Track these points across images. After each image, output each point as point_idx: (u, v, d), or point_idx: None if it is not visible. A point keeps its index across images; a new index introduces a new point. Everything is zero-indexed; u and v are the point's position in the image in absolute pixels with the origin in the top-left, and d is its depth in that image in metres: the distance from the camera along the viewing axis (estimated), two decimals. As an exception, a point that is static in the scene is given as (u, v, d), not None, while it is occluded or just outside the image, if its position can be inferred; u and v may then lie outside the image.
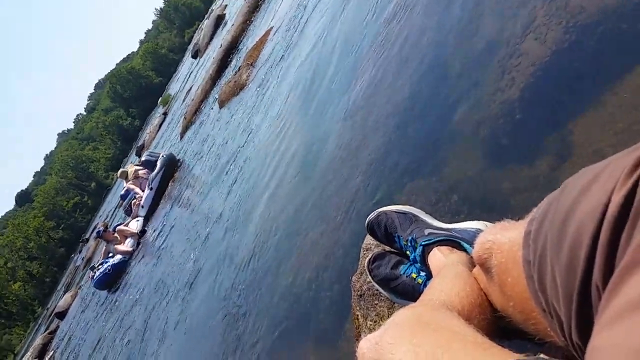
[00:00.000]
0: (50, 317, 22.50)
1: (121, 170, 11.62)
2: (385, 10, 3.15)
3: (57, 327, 16.84)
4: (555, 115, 1.32)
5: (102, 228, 10.90)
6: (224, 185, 5.12)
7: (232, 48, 10.26)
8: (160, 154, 9.80)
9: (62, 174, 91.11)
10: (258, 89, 6.08)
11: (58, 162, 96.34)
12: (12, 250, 71.43)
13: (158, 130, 20.71)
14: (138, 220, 9.29)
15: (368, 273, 1.42)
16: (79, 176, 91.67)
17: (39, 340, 17.21)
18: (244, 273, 3.05)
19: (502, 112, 1.50)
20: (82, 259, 25.76)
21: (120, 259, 8.86)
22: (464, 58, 1.90)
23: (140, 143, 23.49)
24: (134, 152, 27.61)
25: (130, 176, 10.49)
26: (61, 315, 16.76)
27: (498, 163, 1.44)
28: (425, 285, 1.22)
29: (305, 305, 2.07)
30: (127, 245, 8.90)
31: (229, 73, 9.11)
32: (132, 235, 8.95)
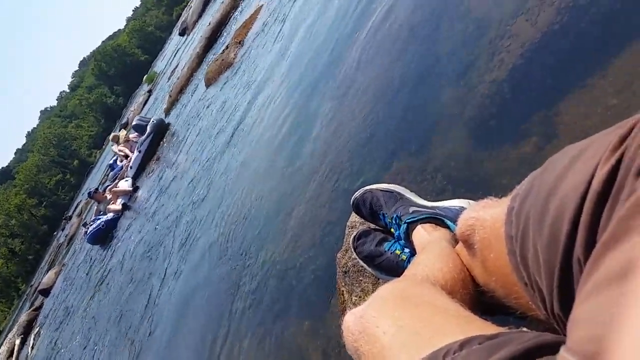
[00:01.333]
0: (35, 294, 22.36)
1: (113, 134, 12.41)
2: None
3: (42, 303, 16.74)
4: (543, 96, 1.33)
5: (92, 189, 11.50)
6: (206, 157, 5.15)
7: (220, 26, 10.14)
8: (150, 119, 10.18)
9: (45, 152, 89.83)
10: (245, 67, 6.03)
11: (40, 139, 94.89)
12: (-7, 227, 70.71)
13: (142, 108, 20.45)
14: (127, 180, 9.72)
15: (353, 250, 1.42)
16: (62, 154, 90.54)
17: (23, 317, 17.06)
18: (230, 246, 3.06)
19: (490, 92, 1.51)
20: (65, 237, 25.58)
21: (113, 216, 9.33)
22: (454, 38, 1.90)
23: (124, 121, 23.33)
24: (118, 130, 27.41)
25: (121, 139, 11.29)
26: (45, 292, 16.67)
27: (484, 143, 1.44)
28: (409, 262, 1.24)
29: (292, 281, 2.08)
30: (118, 204, 9.34)
31: (216, 51, 9.01)
32: (125, 193, 9.38)
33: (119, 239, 8.08)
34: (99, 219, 9.68)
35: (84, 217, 20.60)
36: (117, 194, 9.57)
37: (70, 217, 30.24)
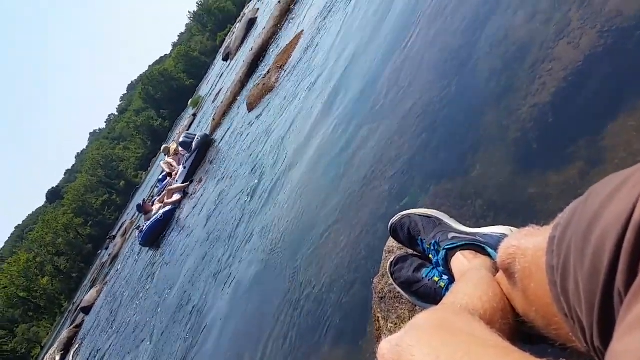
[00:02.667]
0: (76, 312, 22.98)
1: (164, 145, 13.71)
2: (413, 13, 3.13)
3: (83, 321, 17.14)
4: (587, 121, 1.30)
5: (141, 201, 12.30)
6: (249, 174, 5.26)
7: (262, 51, 10.38)
8: (196, 135, 10.85)
9: (93, 172, 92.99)
10: (286, 91, 6.12)
11: (89, 160, 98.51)
12: (41, 245, 73.01)
13: (187, 131, 21.03)
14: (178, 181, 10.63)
15: (390, 275, 1.40)
16: (109, 175, 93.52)
17: (64, 334, 17.56)
18: (269, 267, 3.08)
19: (532, 116, 1.48)
20: (109, 255, 26.28)
21: (171, 207, 9.97)
22: (495, 61, 1.88)
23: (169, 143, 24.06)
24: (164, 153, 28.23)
25: (171, 152, 12.32)
26: (86, 310, 17.12)
27: (526, 168, 1.41)
28: (447, 290, 1.21)
29: (327, 305, 2.07)
30: (175, 198, 10.09)
31: (258, 76, 9.20)
32: (180, 189, 10.18)
33: (166, 249, 8.26)
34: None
35: (133, 227, 21.18)
36: (172, 192, 10.26)
37: (115, 237, 31.03)
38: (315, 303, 2.19)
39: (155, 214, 10.22)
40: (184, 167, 10.61)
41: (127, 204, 61.92)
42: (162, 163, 12.69)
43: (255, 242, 3.65)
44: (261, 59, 10.26)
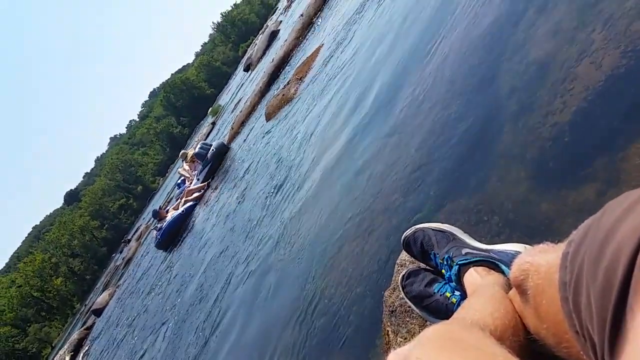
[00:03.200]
0: (88, 314, 23.15)
1: (183, 151, 13.92)
2: (436, 29, 3.14)
3: (94, 323, 17.24)
4: (607, 141, 1.28)
5: (157, 208, 12.81)
6: (262, 183, 5.29)
7: (283, 63, 10.46)
8: (211, 146, 10.97)
9: (111, 176, 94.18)
10: (305, 103, 6.15)
11: (108, 164, 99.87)
12: (57, 246, 73.92)
13: (206, 139, 21.21)
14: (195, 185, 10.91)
15: (401, 289, 1.39)
16: (127, 179, 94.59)
17: (75, 335, 17.68)
18: (277, 281, 3.07)
19: (552, 135, 1.47)
20: (123, 259, 26.48)
21: (192, 203, 10.25)
22: (515, 79, 1.87)
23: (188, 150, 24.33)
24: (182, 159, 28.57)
25: (188, 158, 12.58)
26: (98, 312, 17.25)
27: (543, 186, 1.40)
28: (459, 306, 1.20)
29: (337, 317, 2.06)
30: (194, 195, 10.37)
31: (278, 87, 9.26)
32: (199, 189, 10.44)
33: (179, 257, 8.30)
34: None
35: (149, 230, 21.36)
36: (192, 191, 10.49)
37: (129, 241, 31.28)
38: (325, 314, 2.18)
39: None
40: (197, 179, 10.84)
41: (144, 208, 62.45)
42: (180, 169, 12.94)
43: (268, 250, 3.65)
44: (281, 70, 10.34)
